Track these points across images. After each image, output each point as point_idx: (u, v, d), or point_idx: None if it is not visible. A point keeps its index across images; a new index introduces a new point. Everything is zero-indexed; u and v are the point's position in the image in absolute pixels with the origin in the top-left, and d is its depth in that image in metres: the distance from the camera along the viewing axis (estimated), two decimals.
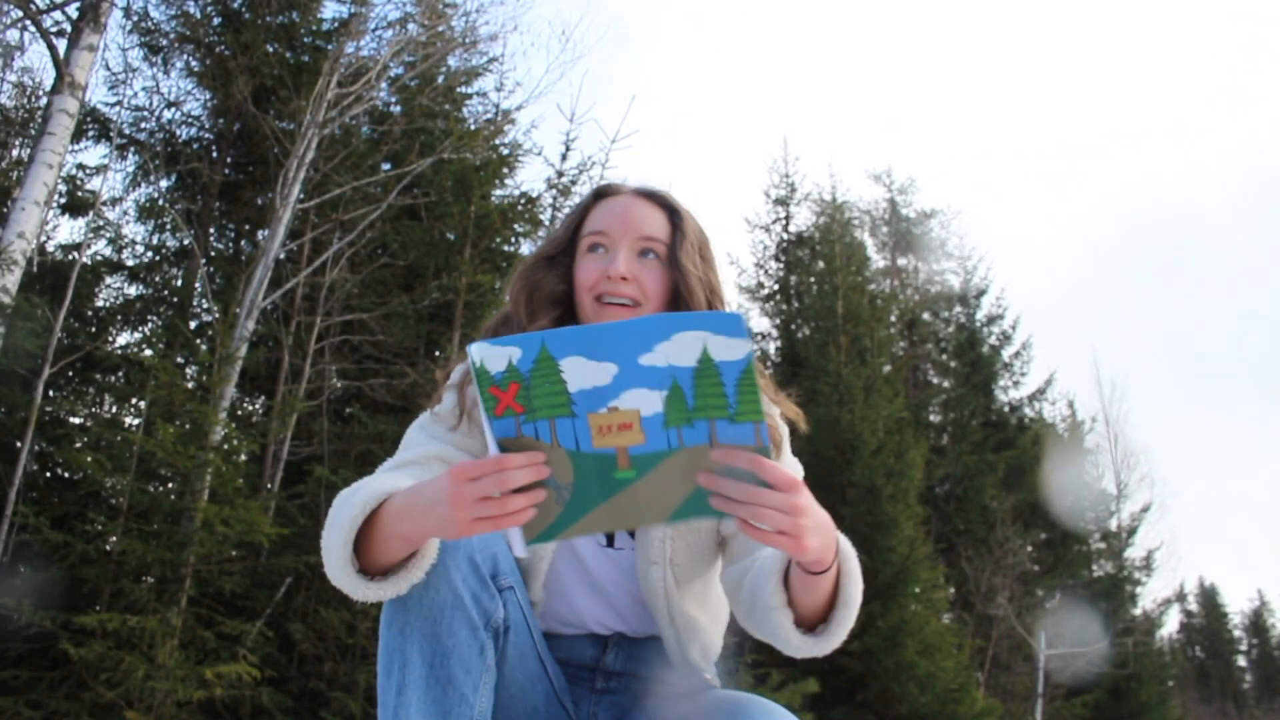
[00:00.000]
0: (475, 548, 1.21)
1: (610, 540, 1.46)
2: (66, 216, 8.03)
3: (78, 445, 5.87)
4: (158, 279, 8.18)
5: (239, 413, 7.75)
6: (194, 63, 8.25)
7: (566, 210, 8.49)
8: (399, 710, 1.15)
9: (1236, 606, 37.99)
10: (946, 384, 17.13)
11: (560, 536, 1.06)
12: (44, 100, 7.30)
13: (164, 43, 8.21)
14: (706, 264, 1.48)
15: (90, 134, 7.96)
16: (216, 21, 8.28)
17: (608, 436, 1.02)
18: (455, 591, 1.18)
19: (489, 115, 8.88)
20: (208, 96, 8.32)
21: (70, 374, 7.19)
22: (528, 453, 1.00)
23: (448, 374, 1.50)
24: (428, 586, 1.17)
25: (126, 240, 8.19)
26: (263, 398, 8.04)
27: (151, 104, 8.19)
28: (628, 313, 1.41)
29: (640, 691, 1.46)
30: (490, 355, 1.01)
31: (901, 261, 19.17)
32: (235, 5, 8.24)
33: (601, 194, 1.51)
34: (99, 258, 7.97)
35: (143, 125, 8.20)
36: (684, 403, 1.01)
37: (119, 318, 7.92)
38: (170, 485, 6.11)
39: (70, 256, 7.49)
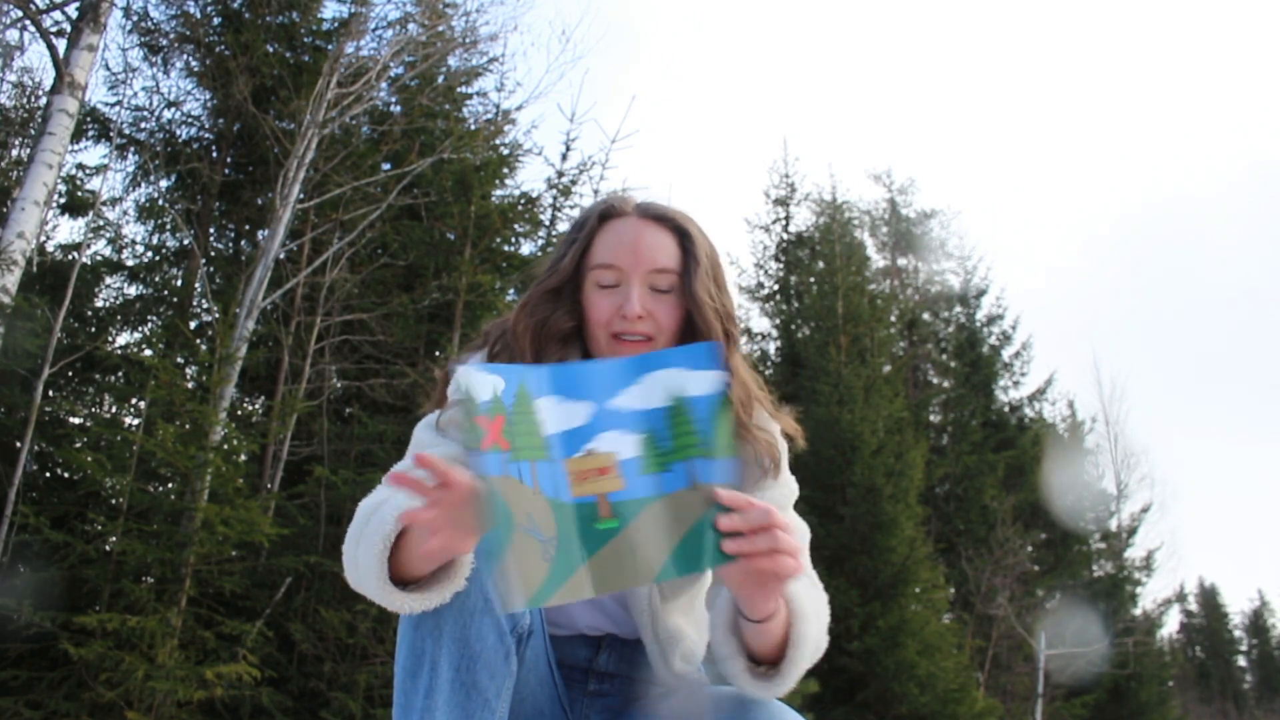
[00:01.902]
0: None
1: None
2: (66, 216, 8.04)
3: (78, 445, 5.87)
4: (158, 279, 8.18)
5: (239, 413, 7.75)
6: (194, 63, 8.25)
7: (567, 212, 8.53)
8: (425, 713, 1.15)
9: (1236, 606, 37.97)
10: (946, 384, 17.13)
11: (550, 601, 0.97)
12: (44, 100, 7.30)
13: (164, 43, 8.21)
14: (719, 288, 1.44)
15: (90, 134, 7.96)
16: (216, 21, 8.28)
17: (586, 483, 0.99)
18: (486, 596, 1.17)
19: (489, 115, 8.89)
20: (208, 96, 8.32)
21: (70, 374, 7.19)
22: (440, 471, 0.95)
23: (447, 374, 1.47)
24: (459, 590, 1.17)
25: (126, 240, 8.21)
26: (263, 398, 8.05)
27: (151, 104, 8.20)
28: (644, 347, 1.37)
29: (633, 693, 1.46)
30: (476, 382, 0.96)
31: (901, 261, 19.18)
32: (235, 5, 8.24)
33: (606, 215, 1.44)
34: (99, 258, 7.97)
35: (143, 125, 8.21)
36: (658, 446, 0.99)
37: (119, 318, 7.93)
38: (170, 485, 6.11)
39: (70, 256, 7.49)
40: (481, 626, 1.17)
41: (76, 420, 7.03)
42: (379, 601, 1.15)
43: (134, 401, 6.89)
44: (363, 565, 1.15)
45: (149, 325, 8.00)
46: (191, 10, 8.21)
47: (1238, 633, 35.60)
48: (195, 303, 7.81)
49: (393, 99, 8.57)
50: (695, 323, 1.40)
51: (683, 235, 1.42)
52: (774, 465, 1.41)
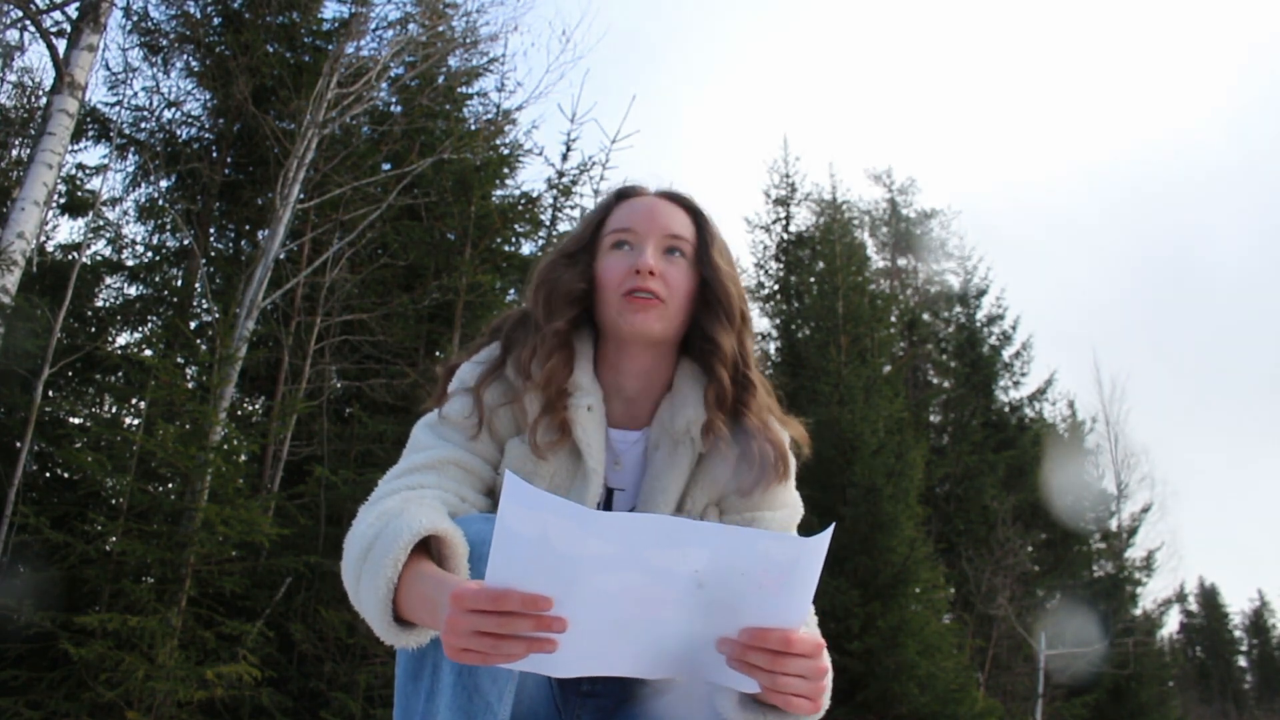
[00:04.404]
0: None
1: None
2: (66, 216, 8.04)
3: (78, 445, 5.86)
4: (158, 279, 8.18)
5: (239, 413, 7.75)
6: (194, 63, 8.25)
7: (570, 209, 8.52)
8: (426, 717, 1.15)
9: (1236, 606, 37.87)
10: (946, 384, 17.13)
11: None
12: (44, 100, 7.30)
13: (164, 43, 8.21)
14: (732, 266, 1.47)
15: (90, 134, 7.96)
16: (216, 21, 8.28)
17: None
18: None
19: (489, 115, 8.88)
20: (208, 96, 8.32)
21: (70, 374, 7.19)
22: (533, 595, 0.92)
23: (449, 369, 1.47)
24: None
25: (126, 240, 8.20)
26: (263, 398, 8.05)
27: (151, 104, 8.20)
28: (652, 307, 1.38)
29: (624, 694, 1.46)
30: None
31: (901, 261, 19.20)
32: (235, 5, 8.24)
33: (624, 194, 1.49)
34: (99, 258, 7.97)
35: (143, 125, 8.21)
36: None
37: (119, 318, 7.92)
38: (170, 485, 6.11)
39: (70, 256, 7.49)
40: None
41: (76, 420, 7.03)
42: (382, 640, 1.15)
43: (134, 401, 6.89)
44: (365, 605, 1.15)
45: (149, 325, 8.00)
46: (191, 10, 8.21)
47: (1238, 633, 35.60)
48: (195, 303, 7.81)
49: (393, 99, 8.57)
50: (711, 291, 1.41)
51: (697, 215, 1.46)
52: (785, 469, 1.41)
